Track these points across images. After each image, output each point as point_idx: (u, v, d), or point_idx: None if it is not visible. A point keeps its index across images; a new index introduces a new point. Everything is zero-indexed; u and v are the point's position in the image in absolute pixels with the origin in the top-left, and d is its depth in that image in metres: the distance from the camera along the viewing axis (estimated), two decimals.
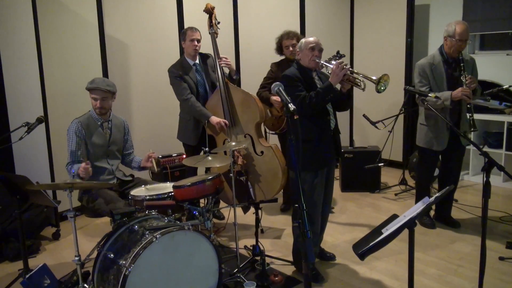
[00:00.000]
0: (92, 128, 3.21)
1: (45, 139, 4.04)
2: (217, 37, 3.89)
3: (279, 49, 4.19)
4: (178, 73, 3.82)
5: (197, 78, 3.89)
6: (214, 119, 3.74)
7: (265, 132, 4.43)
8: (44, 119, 3.14)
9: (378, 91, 2.73)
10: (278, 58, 4.27)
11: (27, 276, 2.75)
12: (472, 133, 3.58)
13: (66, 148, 3.19)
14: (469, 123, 3.48)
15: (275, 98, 4.04)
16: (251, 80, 4.96)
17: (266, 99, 4.10)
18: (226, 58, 3.86)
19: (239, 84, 5.25)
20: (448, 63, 3.62)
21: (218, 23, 3.91)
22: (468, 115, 3.49)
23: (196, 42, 3.81)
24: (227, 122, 3.76)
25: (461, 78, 3.50)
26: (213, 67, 3.94)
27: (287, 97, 2.04)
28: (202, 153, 3.25)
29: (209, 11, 3.87)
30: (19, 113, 3.94)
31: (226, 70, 3.97)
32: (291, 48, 4.04)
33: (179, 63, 3.90)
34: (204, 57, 3.99)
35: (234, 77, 3.93)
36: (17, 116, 3.91)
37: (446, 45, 3.59)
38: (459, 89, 3.46)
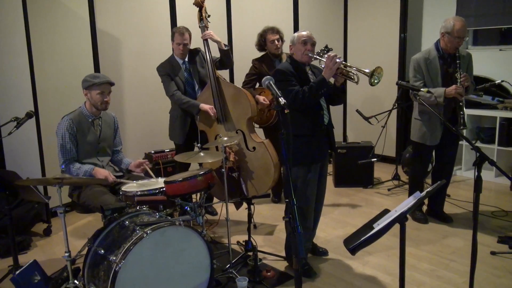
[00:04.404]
0: (83, 125, 3.17)
1: (36, 135, 3.99)
2: (208, 30, 3.85)
3: (262, 44, 4.22)
4: (166, 72, 3.81)
5: (185, 77, 3.86)
6: (205, 106, 3.72)
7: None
8: (33, 114, 3.10)
9: (372, 84, 2.72)
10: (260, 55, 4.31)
11: (17, 272, 2.72)
12: (463, 130, 3.59)
13: (57, 144, 3.14)
14: (460, 120, 3.49)
15: (261, 97, 4.09)
16: (244, 75, 4.93)
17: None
18: (206, 32, 3.78)
19: (231, 79, 5.24)
20: (444, 58, 3.61)
21: (209, 16, 3.86)
22: (460, 112, 3.49)
23: (182, 46, 3.77)
24: (214, 111, 3.73)
25: (456, 75, 3.49)
26: (202, 62, 3.90)
27: (277, 91, 2.02)
28: (195, 149, 3.23)
29: (199, 4, 3.82)
30: (9, 108, 3.90)
31: (216, 53, 3.90)
32: (276, 42, 4.11)
33: (167, 62, 3.87)
34: (193, 53, 3.94)
35: (225, 48, 3.79)
36: (7, 111, 3.87)
37: (443, 41, 3.57)
38: (453, 86, 3.45)
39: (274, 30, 4.15)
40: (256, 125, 4.40)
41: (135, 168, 3.32)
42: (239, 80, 5.02)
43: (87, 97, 3.17)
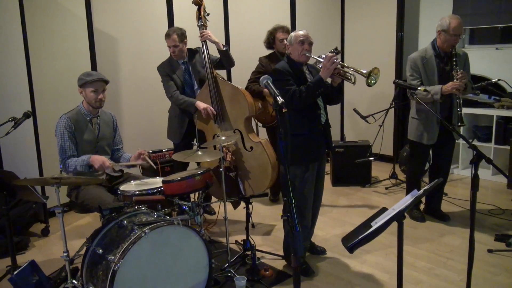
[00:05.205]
0: (81, 124, 3.17)
1: (33, 134, 3.99)
2: (206, 29, 3.85)
3: (270, 42, 4.20)
4: (165, 72, 3.81)
5: (184, 77, 3.86)
6: (201, 105, 3.72)
7: (256, 125, 4.41)
8: (31, 114, 3.10)
9: (369, 85, 2.72)
10: (267, 52, 4.28)
11: (15, 272, 2.72)
12: (460, 127, 3.61)
13: (56, 143, 3.13)
14: (457, 117, 3.50)
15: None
16: (242, 74, 4.93)
17: (259, 93, 4.09)
18: (204, 33, 3.76)
19: (229, 78, 5.23)
20: (440, 57, 3.62)
21: (207, 14, 3.85)
22: (457, 110, 3.51)
23: (172, 49, 3.77)
24: (213, 110, 3.72)
25: (453, 72, 3.50)
26: (201, 62, 3.89)
27: (275, 90, 2.02)
28: (194, 148, 3.23)
29: (198, 2, 3.81)
30: (6, 108, 3.89)
31: (216, 54, 3.89)
32: (285, 41, 4.09)
33: (167, 61, 3.88)
34: (192, 53, 3.93)
35: (223, 49, 3.77)
36: (4, 111, 3.86)
37: (439, 39, 3.57)
38: (450, 83, 3.46)
39: (284, 29, 4.14)
40: (260, 124, 4.40)
41: (136, 160, 3.31)
42: (237, 79, 5.02)
43: (82, 95, 3.17)
